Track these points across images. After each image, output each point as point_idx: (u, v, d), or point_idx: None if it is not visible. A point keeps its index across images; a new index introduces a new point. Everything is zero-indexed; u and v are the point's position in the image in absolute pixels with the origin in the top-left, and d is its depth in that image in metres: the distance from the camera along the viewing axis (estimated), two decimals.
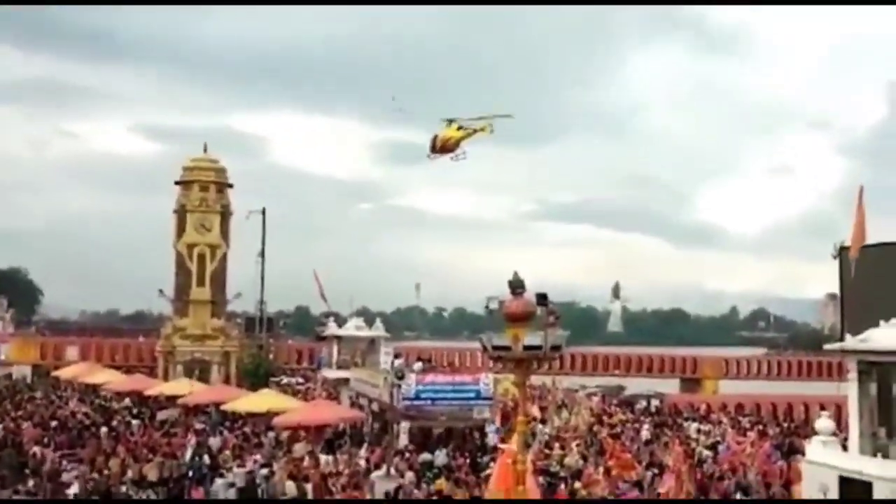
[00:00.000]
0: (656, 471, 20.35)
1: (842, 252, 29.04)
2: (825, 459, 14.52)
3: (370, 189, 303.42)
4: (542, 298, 10.04)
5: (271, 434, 26.53)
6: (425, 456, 23.21)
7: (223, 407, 30.92)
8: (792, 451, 23.93)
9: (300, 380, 50.92)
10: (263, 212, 49.88)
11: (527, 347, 9.97)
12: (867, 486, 13.39)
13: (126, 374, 43.12)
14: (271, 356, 49.90)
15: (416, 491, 18.73)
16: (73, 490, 19.81)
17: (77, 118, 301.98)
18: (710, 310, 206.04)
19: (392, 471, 20.24)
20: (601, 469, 20.43)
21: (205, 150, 48.39)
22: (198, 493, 19.54)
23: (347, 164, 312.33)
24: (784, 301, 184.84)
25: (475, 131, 26.31)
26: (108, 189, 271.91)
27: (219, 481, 20.06)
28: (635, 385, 56.02)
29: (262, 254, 49.75)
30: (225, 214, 47.08)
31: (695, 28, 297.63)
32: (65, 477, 21.19)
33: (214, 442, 25.27)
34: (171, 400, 34.08)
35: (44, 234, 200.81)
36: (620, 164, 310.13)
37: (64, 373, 46.00)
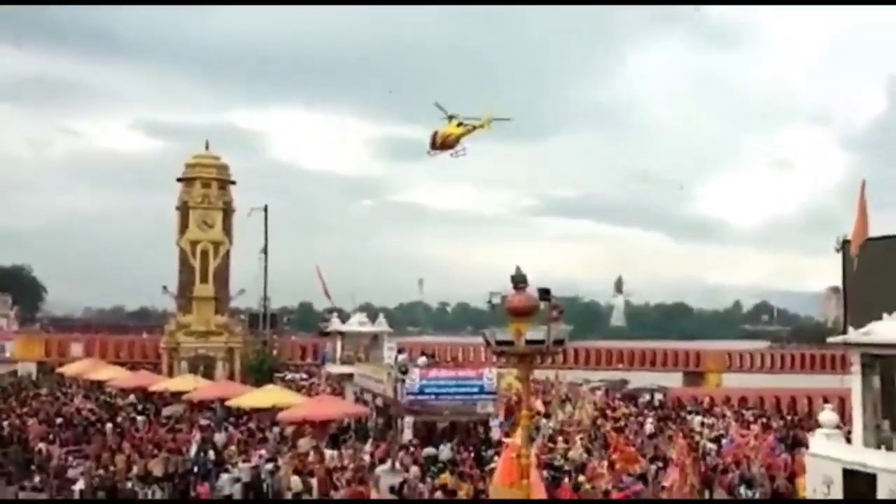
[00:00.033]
0: (660, 464, 20.41)
1: (844, 245, 28.97)
2: (829, 452, 14.55)
3: (372, 185, 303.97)
4: (544, 293, 10.06)
5: (276, 429, 26.61)
6: (429, 450, 23.28)
7: (228, 403, 31.01)
8: (796, 444, 23.98)
9: (304, 375, 50.96)
10: (266, 209, 49.90)
11: (530, 342, 9.98)
12: (871, 479, 13.43)
13: (131, 371, 43.23)
14: (275, 352, 49.91)
15: (420, 485, 18.79)
16: (78, 486, 19.92)
17: (78, 116, 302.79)
18: (713, 303, 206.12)
19: (397, 465, 20.31)
20: (605, 463, 20.47)
21: (206, 147, 48.43)
22: (203, 489, 19.63)
23: (349, 160, 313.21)
24: (786, 294, 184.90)
25: (474, 128, 26.37)
26: (110, 186, 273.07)
27: (224, 476, 20.16)
28: (639, 379, 56.05)
29: (265, 250, 49.78)
30: (227, 211, 47.12)
31: (694, 23, 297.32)
32: (70, 473, 21.30)
33: (219, 437, 25.37)
34: (176, 396, 34.22)
35: (46, 233, 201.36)
36: (621, 159, 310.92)
37: (69, 369, 46.17)
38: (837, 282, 36.80)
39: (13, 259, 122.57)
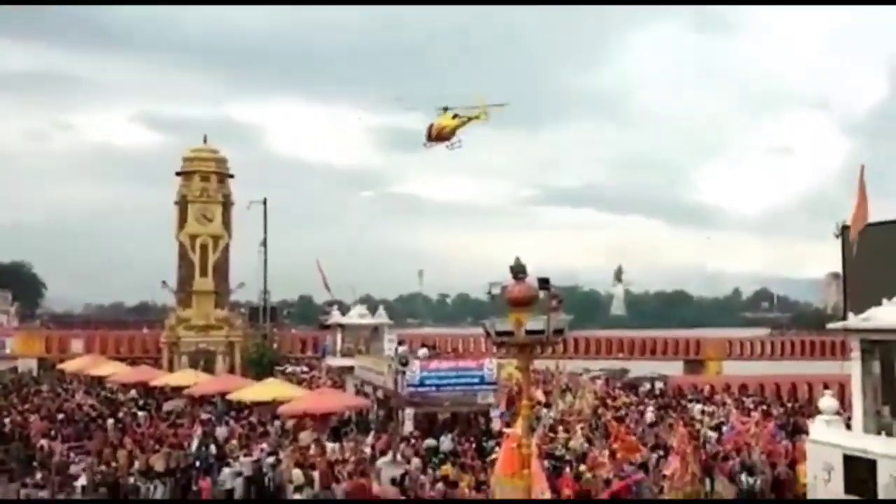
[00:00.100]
0: (661, 452, 20.43)
1: (844, 231, 29.00)
2: (829, 438, 14.57)
3: (370, 177, 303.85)
4: (544, 283, 10.04)
5: (277, 423, 26.66)
6: (430, 441, 23.32)
7: (229, 397, 31.05)
8: (796, 431, 24.02)
9: (305, 368, 51.04)
10: (265, 202, 49.85)
11: (530, 332, 9.96)
12: (871, 465, 13.45)
13: (131, 366, 43.27)
14: (275, 345, 49.99)
15: (422, 476, 18.82)
16: (80, 482, 19.93)
17: (76, 110, 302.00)
18: (713, 291, 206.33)
19: (398, 457, 20.36)
20: (606, 452, 20.51)
21: (205, 141, 48.35)
22: (205, 483, 19.65)
23: (347, 152, 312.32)
24: (786, 281, 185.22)
25: (470, 119, 26.33)
26: (109, 180, 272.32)
27: (226, 470, 20.20)
28: (639, 368, 56.09)
29: (265, 243, 49.74)
30: (226, 204, 47.08)
31: (695, 10, 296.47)
32: (72, 469, 21.33)
33: (221, 432, 25.39)
34: (177, 391, 34.23)
35: (45, 228, 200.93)
36: (621, 147, 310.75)
37: (69, 365, 46.16)
38: (837, 268, 36.82)
39: (13, 255, 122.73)
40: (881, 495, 13.21)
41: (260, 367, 42.46)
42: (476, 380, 27.29)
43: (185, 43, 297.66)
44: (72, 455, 23.08)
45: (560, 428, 25.65)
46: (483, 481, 17.10)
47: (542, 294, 10.01)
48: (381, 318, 39.09)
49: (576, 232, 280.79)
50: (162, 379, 37.42)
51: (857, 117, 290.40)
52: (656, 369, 53.13)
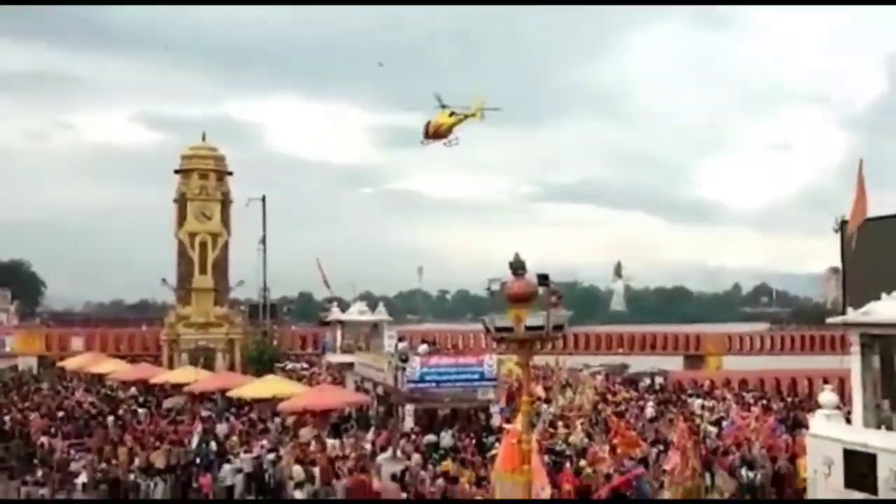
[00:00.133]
0: (661, 447, 20.43)
1: (843, 226, 29.04)
2: (829, 433, 14.58)
3: (370, 174, 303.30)
4: (543, 279, 10.03)
5: (277, 419, 26.66)
6: (431, 437, 23.33)
7: (229, 394, 31.07)
8: (796, 425, 24.00)
9: (305, 365, 50.96)
10: (264, 199, 49.83)
11: (529, 328, 9.96)
12: (871, 459, 13.46)
13: (131, 364, 43.25)
14: (275, 342, 50.03)
15: (422, 472, 18.83)
16: (81, 479, 19.98)
17: (76, 109, 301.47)
18: (713, 286, 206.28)
19: (398, 453, 20.39)
20: (606, 447, 20.51)
21: (203, 139, 48.33)
22: (205, 480, 19.68)
23: (346, 149, 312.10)
24: (786, 276, 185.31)
25: (466, 117, 26.40)
26: (109, 180, 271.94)
27: (226, 467, 20.22)
28: (639, 363, 56.08)
29: (264, 241, 49.75)
30: (225, 202, 47.09)
31: (693, 5, 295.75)
32: (73, 466, 21.39)
33: (221, 428, 25.41)
34: (177, 388, 34.26)
35: (45, 226, 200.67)
36: (620, 143, 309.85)
37: (69, 363, 46.16)
38: (837, 262, 36.84)
39: (12, 254, 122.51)
40: (881, 489, 13.21)
41: (260, 364, 42.44)
42: (476, 376, 27.29)
43: (183, 42, 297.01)
44: (72, 452, 23.11)
45: (560, 423, 25.65)
46: (483, 477, 17.12)
47: (541, 290, 10.01)
48: (381, 314, 39.12)
49: (575, 228, 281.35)
50: (162, 376, 37.44)
51: (856, 112, 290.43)
52: (656, 364, 53.11)
